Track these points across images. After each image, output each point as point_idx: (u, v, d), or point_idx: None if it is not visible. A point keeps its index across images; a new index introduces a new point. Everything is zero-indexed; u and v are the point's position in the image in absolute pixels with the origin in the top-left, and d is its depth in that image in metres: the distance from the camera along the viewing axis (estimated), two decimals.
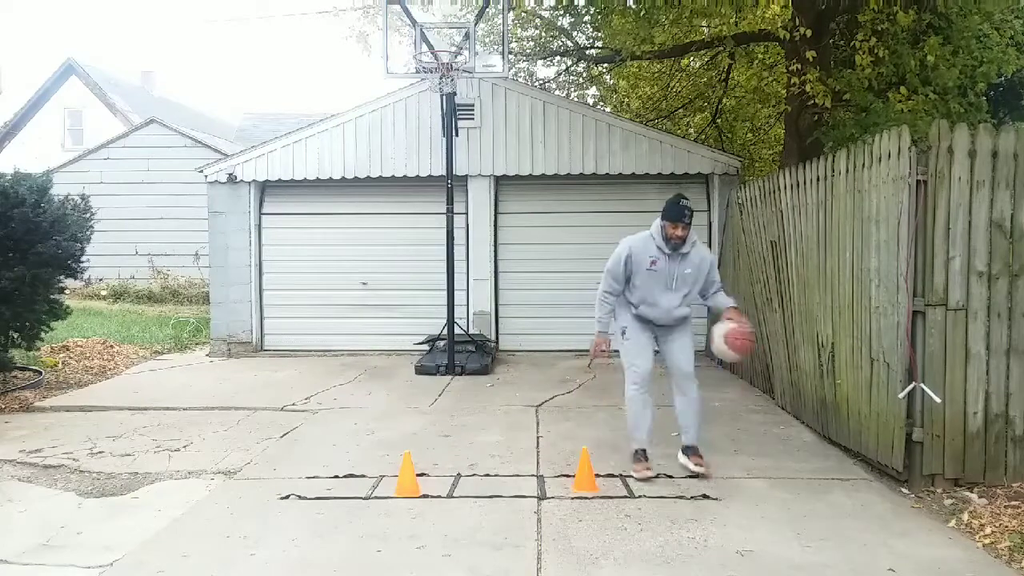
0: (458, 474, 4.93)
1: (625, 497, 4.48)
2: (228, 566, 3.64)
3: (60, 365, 8.79)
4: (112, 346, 9.94)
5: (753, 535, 3.92)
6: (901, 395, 4.58)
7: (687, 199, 4.76)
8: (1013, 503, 4.28)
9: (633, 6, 10.44)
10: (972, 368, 4.56)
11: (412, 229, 10.04)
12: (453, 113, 8.71)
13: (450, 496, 4.54)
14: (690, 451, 4.90)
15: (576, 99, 15.45)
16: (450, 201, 8.76)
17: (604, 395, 7.40)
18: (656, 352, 5.03)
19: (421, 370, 8.53)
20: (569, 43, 14.88)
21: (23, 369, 8.16)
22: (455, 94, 8.73)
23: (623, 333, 5.00)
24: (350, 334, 10.07)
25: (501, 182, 10.08)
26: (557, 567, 3.58)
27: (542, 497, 4.50)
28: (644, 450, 4.86)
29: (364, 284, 10.10)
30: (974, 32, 8.87)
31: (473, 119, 9.79)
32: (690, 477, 4.82)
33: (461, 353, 8.85)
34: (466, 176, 9.85)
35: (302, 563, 3.65)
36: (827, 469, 5.04)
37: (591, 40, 14.85)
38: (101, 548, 3.85)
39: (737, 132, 15.32)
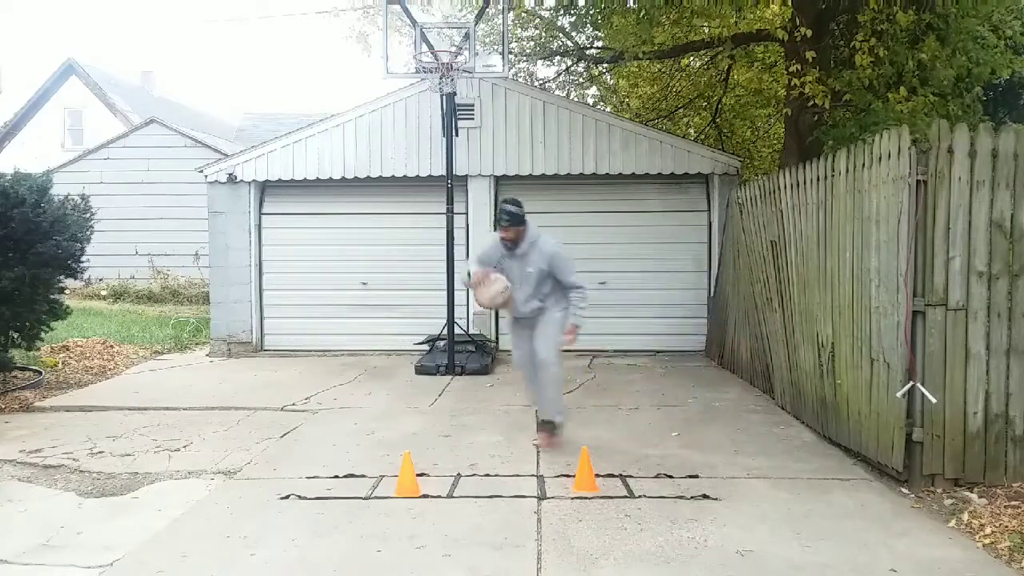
0: (458, 474, 4.93)
1: (625, 497, 4.48)
2: (228, 566, 3.64)
3: (60, 365, 8.79)
4: (112, 346, 9.94)
5: (753, 535, 3.92)
6: (899, 394, 4.58)
7: (510, 203, 5.13)
8: (1013, 503, 4.28)
9: (634, 6, 10.44)
10: (972, 368, 4.57)
11: (412, 229, 10.04)
12: (453, 113, 8.72)
13: (450, 496, 4.54)
14: (539, 426, 5.47)
15: (576, 99, 15.45)
16: (450, 201, 8.76)
17: (604, 395, 7.41)
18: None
19: (421, 370, 8.53)
20: (569, 43, 14.88)
21: (23, 369, 8.16)
22: (455, 94, 8.73)
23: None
24: (350, 334, 10.07)
25: (501, 182, 10.08)
26: (557, 567, 3.58)
27: (542, 497, 4.50)
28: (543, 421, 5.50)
29: (364, 284, 10.10)
30: (972, 33, 8.86)
31: (473, 119, 9.79)
32: (690, 477, 4.83)
33: (461, 353, 8.85)
34: (466, 176, 9.86)
35: (302, 563, 3.65)
36: (827, 469, 5.04)
37: (591, 40, 14.84)
38: (101, 548, 3.85)
39: (737, 130, 15.33)
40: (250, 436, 5.94)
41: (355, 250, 10.13)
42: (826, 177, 5.79)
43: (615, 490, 4.59)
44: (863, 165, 5.13)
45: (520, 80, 13.78)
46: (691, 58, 13.95)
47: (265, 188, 10.28)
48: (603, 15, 11.53)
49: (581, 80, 16.18)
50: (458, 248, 9.25)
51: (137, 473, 5.09)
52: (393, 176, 9.95)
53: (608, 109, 15.66)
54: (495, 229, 5.20)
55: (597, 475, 4.69)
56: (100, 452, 5.56)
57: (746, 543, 3.82)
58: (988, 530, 3.95)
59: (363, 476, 4.89)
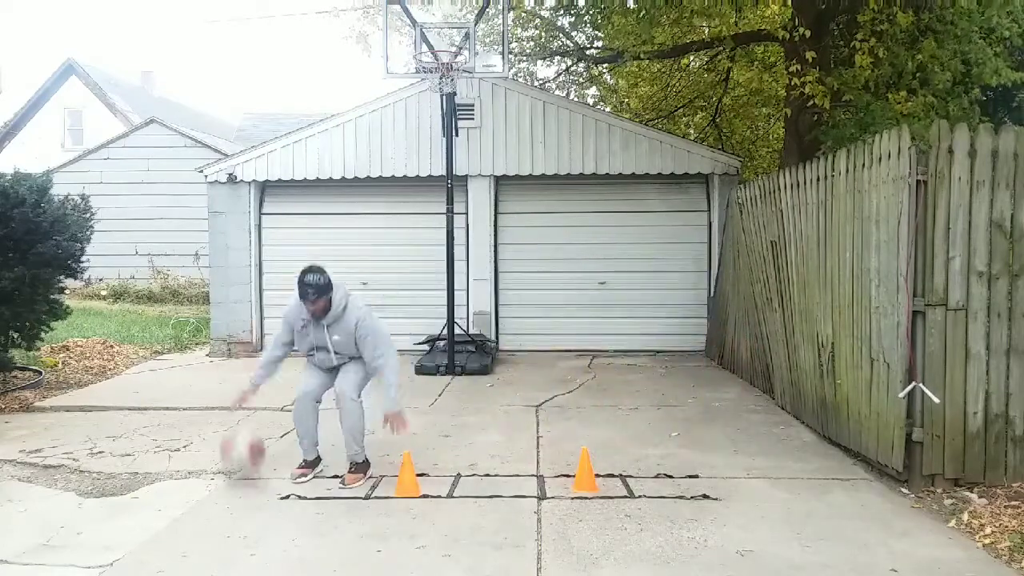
0: (458, 474, 4.93)
1: (625, 497, 4.48)
2: (228, 566, 3.64)
3: (60, 365, 8.79)
4: (112, 346, 9.94)
5: (753, 535, 3.92)
6: (901, 395, 4.58)
7: (313, 272, 4.70)
8: (1013, 503, 4.28)
9: (633, 6, 10.45)
10: (972, 368, 4.57)
11: (412, 229, 10.04)
12: (453, 113, 8.72)
13: (450, 496, 4.55)
14: (348, 469, 4.89)
15: (576, 99, 15.46)
16: (450, 201, 8.76)
17: (604, 395, 7.41)
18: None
19: (421, 370, 8.53)
20: (569, 43, 14.89)
21: (23, 369, 8.16)
22: (455, 94, 8.73)
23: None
24: None
25: (501, 182, 10.09)
26: (557, 567, 3.58)
27: (542, 497, 4.50)
28: (307, 460, 5.00)
29: (364, 284, 10.08)
30: (968, 34, 8.85)
31: (473, 119, 9.80)
32: (690, 477, 4.82)
33: (461, 353, 8.85)
34: (466, 176, 9.86)
35: (302, 563, 3.66)
36: (827, 469, 5.05)
37: (591, 40, 14.86)
38: (101, 548, 3.85)
39: (737, 130, 15.33)
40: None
41: (355, 250, 10.12)
42: (826, 177, 5.79)
43: (615, 490, 4.59)
44: (863, 165, 5.13)
45: (520, 80, 13.78)
46: (691, 58, 13.95)
47: (265, 188, 10.28)
48: (603, 15, 11.54)
49: (581, 80, 16.20)
50: (458, 248, 9.26)
51: (137, 473, 5.09)
52: (393, 176, 9.95)
53: (608, 109, 15.66)
54: (298, 295, 4.77)
55: (597, 475, 4.69)
56: (100, 452, 5.55)
57: (746, 543, 3.82)
58: (988, 530, 3.95)
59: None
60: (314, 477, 4.94)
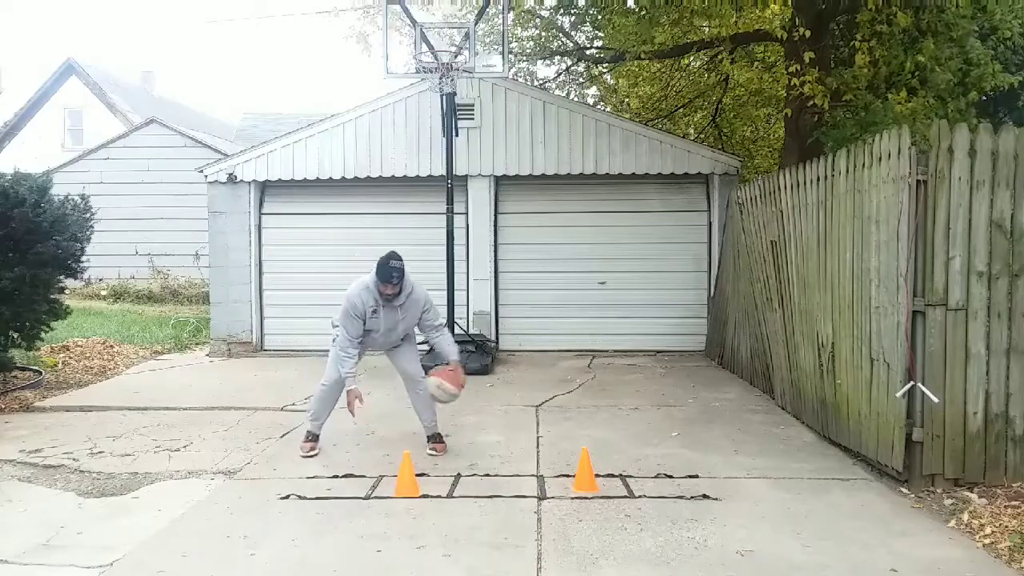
0: (458, 474, 4.93)
1: (625, 497, 4.48)
2: (228, 566, 3.64)
3: (60, 365, 8.79)
4: (112, 346, 9.94)
5: (753, 535, 3.92)
6: (899, 394, 4.58)
7: (398, 259, 5.07)
8: (1013, 503, 4.28)
9: (634, 6, 10.44)
10: (972, 368, 4.57)
11: (412, 229, 10.03)
12: (453, 113, 8.72)
13: (450, 496, 4.54)
14: (432, 439, 5.47)
15: (576, 99, 15.45)
16: (450, 201, 8.76)
17: (604, 395, 7.41)
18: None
19: None
20: (569, 43, 14.89)
21: (23, 369, 8.16)
22: (455, 94, 8.74)
23: (333, 340, 5.42)
24: None
25: (501, 182, 10.09)
26: (557, 567, 3.58)
27: (542, 497, 4.50)
28: (316, 434, 5.47)
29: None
30: (967, 35, 8.84)
31: (473, 119, 9.79)
32: (690, 477, 4.82)
33: (461, 353, 8.81)
34: (466, 176, 9.86)
35: (302, 563, 3.66)
36: (827, 469, 5.04)
37: (591, 40, 14.85)
38: (101, 548, 3.85)
39: (737, 130, 15.33)
40: (250, 436, 5.95)
41: (355, 250, 10.06)
42: (826, 177, 5.79)
43: (615, 490, 4.59)
44: (863, 165, 5.13)
45: (520, 80, 13.77)
46: (691, 58, 13.94)
47: (265, 188, 10.28)
48: (603, 14, 11.53)
49: (581, 80, 16.18)
50: (458, 248, 9.27)
51: (137, 473, 5.09)
52: (393, 176, 9.95)
53: (608, 109, 15.66)
54: (378, 283, 5.07)
55: (597, 475, 4.69)
56: (100, 452, 5.55)
57: (746, 543, 3.82)
58: (988, 530, 3.95)
59: (363, 476, 4.89)
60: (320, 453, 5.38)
